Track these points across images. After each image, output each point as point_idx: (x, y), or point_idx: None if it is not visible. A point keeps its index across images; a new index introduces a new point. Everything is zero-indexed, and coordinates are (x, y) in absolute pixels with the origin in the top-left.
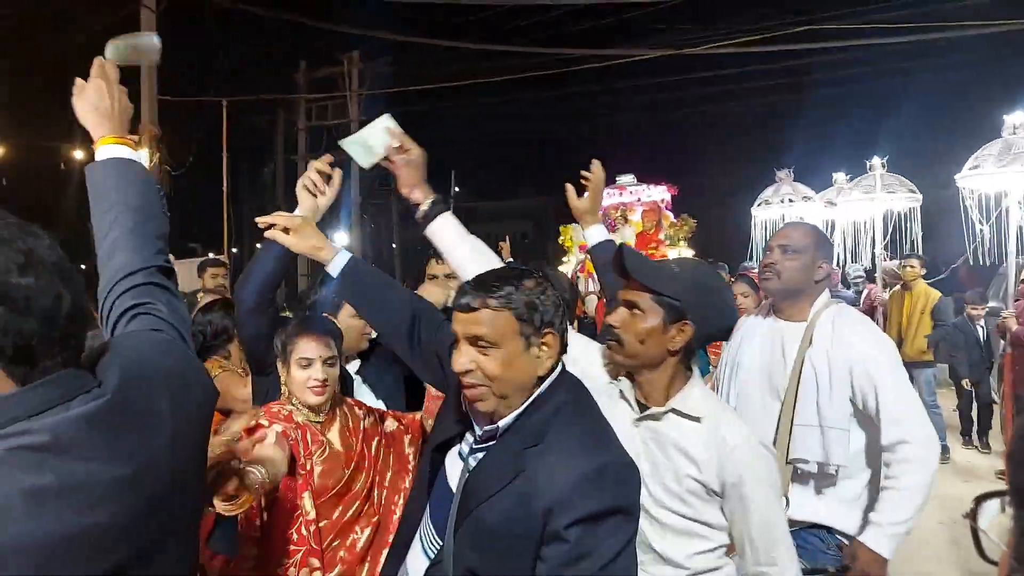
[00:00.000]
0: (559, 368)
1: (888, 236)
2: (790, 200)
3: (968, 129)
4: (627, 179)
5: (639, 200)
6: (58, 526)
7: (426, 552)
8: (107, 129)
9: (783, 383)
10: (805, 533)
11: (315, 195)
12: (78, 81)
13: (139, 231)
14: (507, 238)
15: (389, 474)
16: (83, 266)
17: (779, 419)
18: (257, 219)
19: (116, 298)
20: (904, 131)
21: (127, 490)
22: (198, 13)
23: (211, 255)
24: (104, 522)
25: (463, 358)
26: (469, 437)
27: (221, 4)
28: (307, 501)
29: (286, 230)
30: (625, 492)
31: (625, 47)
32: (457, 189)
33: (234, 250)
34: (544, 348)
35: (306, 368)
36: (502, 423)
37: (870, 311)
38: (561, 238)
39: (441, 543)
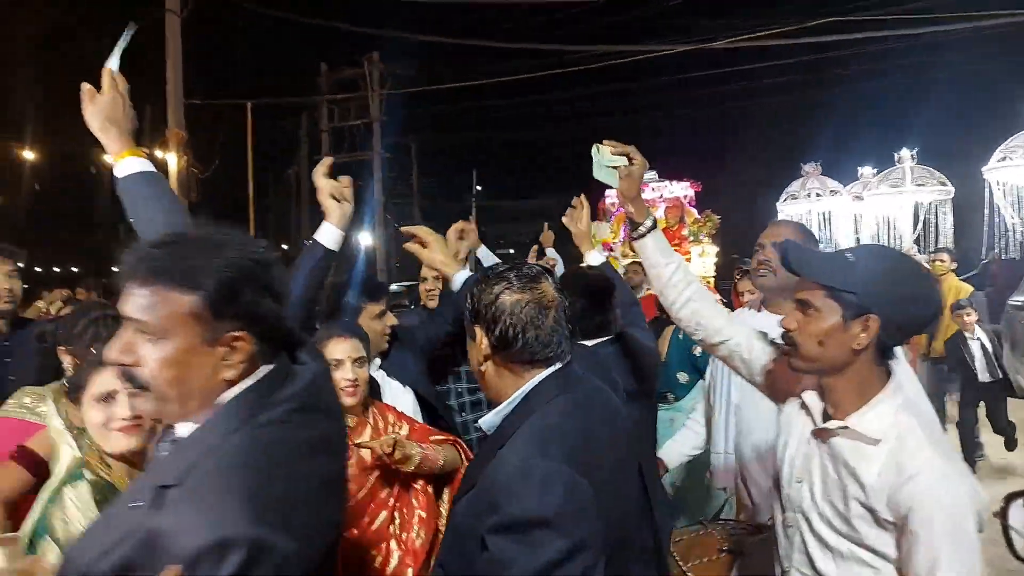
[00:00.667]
0: (544, 373)
1: (918, 230)
2: (817, 195)
3: (997, 121)
4: (649, 175)
5: (661, 196)
6: (324, 470)
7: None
8: (125, 143)
9: None
10: None
11: (339, 202)
12: (87, 89)
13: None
14: (545, 226)
15: (410, 491)
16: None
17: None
18: (403, 228)
19: None
20: (932, 124)
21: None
22: (222, 18)
23: None
24: (342, 469)
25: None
26: None
27: (244, 9)
28: None
29: (423, 244)
30: (552, 501)
31: (646, 43)
32: (479, 188)
33: None
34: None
35: (337, 369)
36: (485, 423)
37: None
38: None
39: None
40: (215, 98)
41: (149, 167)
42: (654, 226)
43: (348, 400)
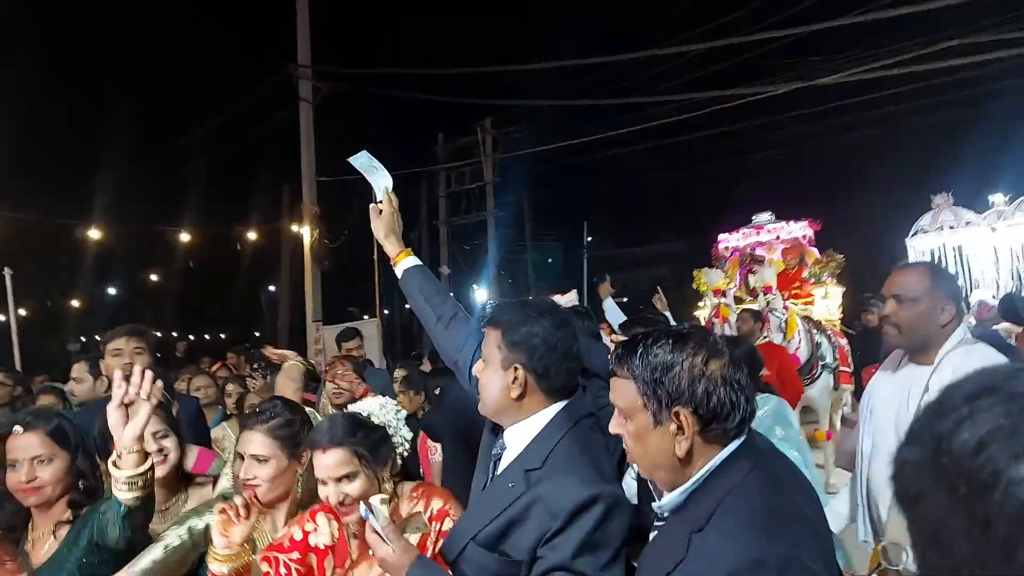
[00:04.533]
0: (733, 445)
1: None
2: (950, 227)
3: None
4: (764, 217)
5: (778, 238)
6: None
7: None
8: (402, 246)
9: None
10: None
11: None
12: (374, 207)
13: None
14: (659, 289)
15: None
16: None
17: None
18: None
19: (472, 353)
20: None
21: None
22: (348, 102)
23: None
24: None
25: (613, 423)
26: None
27: (366, 93)
28: None
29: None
30: None
31: (754, 85)
32: (590, 239)
33: (385, 311)
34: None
35: (323, 486)
36: (666, 503)
37: None
38: (695, 282)
39: None
40: (343, 175)
41: (418, 262)
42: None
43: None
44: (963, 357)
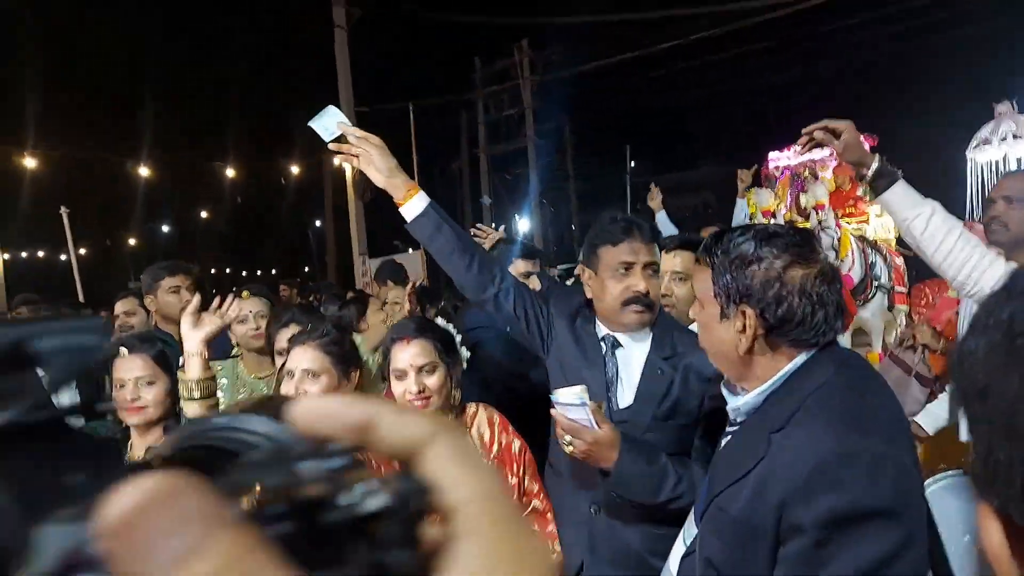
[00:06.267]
0: (807, 352)
1: None
2: (1014, 136)
3: None
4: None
5: (831, 154)
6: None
7: (684, 539)
8: (407, 185)
9: None
10: None
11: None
12: (352, 147)
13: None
14: (651, 187)
15: None
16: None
17: None
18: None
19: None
20: None
21: None
22: (384, 27)
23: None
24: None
25: (692, 308)
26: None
27: (402, 16)
28: None
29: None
30: (885, 487)
31: None
32: (633, 164)
33: None
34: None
35: (401, 380)
36: (742, 404)
37: None
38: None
39: (696, 530)
40: (382, 102)
41: (428, 201)
42: (883, 170)
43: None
44: None
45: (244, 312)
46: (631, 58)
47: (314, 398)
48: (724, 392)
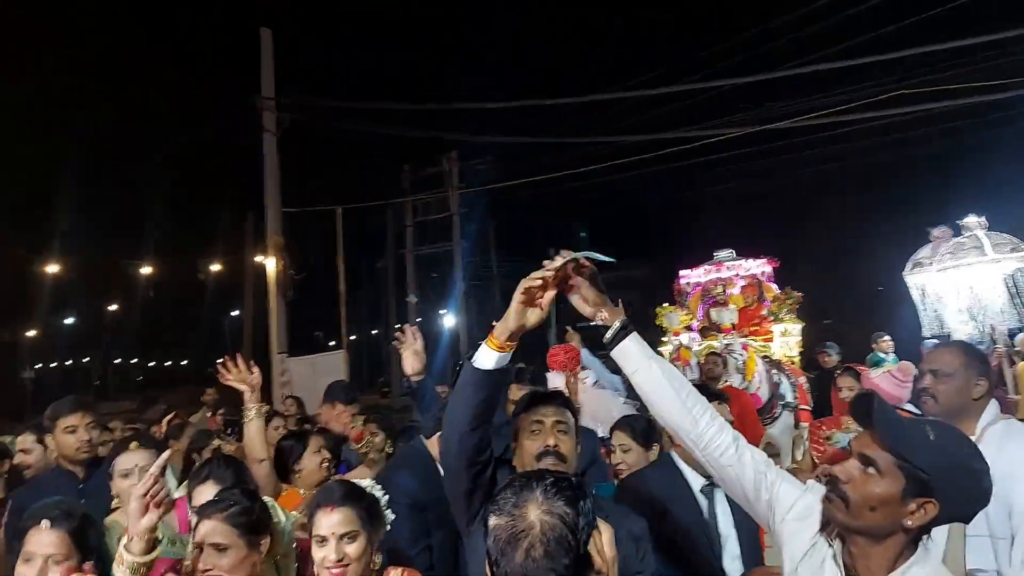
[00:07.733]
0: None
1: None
2: (951, 258)
3: None
4: (724, 254)
5: (737, 275)
6: None
7: None
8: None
9: None
10: None
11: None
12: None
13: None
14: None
15: None
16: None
17: (948, 532)
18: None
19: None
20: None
21: None
22: (314, 134)
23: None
24: None
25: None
26: None
27: (332, 125)
28: None
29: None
30: None
31: (710, 124)
32: None
33: (352, 337)
34: None
35: (322, 546)
36: None
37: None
38: (657, 319)
39: None
40: (309, 205)
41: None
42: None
43: None
44: (1006, 433)
45: (130, 465)
46: (553, 177)
47: None
48: None
